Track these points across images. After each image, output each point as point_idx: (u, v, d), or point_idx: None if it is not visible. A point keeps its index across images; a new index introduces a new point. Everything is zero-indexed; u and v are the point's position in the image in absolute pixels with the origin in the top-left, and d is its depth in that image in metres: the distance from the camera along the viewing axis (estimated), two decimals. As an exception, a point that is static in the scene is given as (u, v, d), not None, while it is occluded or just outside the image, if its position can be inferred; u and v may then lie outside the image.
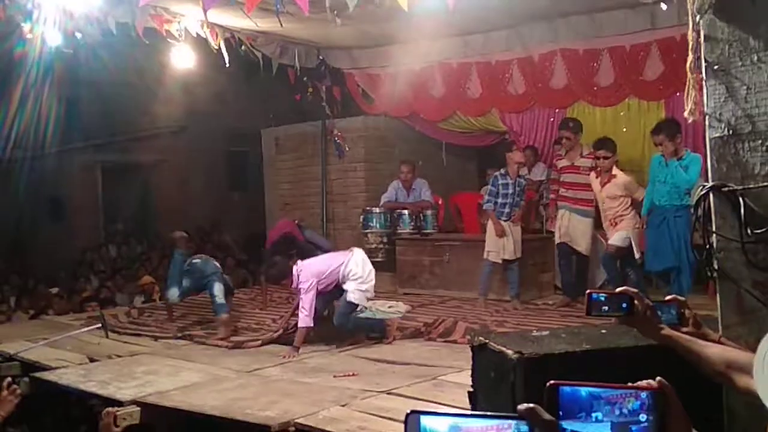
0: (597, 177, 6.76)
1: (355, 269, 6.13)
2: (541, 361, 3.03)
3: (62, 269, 12.02)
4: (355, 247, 6.67)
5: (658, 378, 1.32)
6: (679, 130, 6.20)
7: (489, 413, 1.14)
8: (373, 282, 6.28)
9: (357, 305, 6.16)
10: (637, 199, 6.66)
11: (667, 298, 2.06)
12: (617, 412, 1.21)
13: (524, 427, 1.10)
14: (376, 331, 6.18)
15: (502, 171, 7.25)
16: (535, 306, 7.27)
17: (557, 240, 7.25)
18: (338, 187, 10.05)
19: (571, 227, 7.12)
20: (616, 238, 6.65)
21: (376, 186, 9.51)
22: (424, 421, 1.08)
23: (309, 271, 5.97)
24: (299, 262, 6.05)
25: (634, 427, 1.21)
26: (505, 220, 7.15)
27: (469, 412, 1.13)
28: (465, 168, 10.63)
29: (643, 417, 1.21)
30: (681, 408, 1.25)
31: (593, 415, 1.20)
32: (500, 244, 7.12)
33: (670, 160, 6.08)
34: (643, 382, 1.31)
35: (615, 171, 6.71)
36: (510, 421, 1.10)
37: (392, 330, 6.14)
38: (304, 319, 5.82)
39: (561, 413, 1.17)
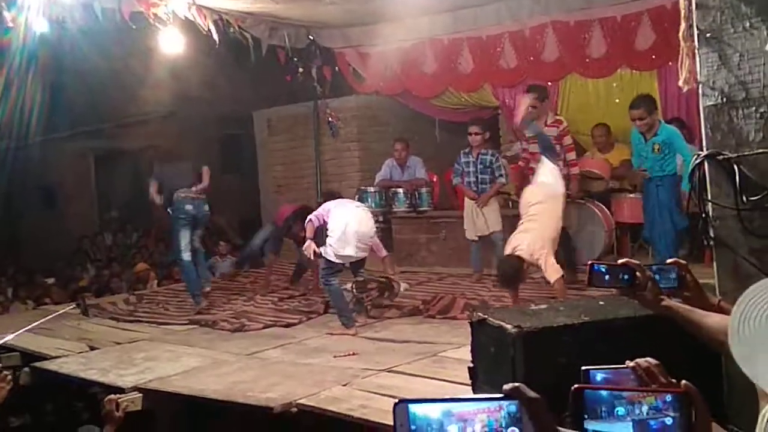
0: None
1: (332, 226, 5.84)
2: (540, 335, 3.04)
3: (58, 259, 12.00)
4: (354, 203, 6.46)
5: (684, 382, 1.33)
6: (656, 106, 6.21)
7: (478, 396, 1.14)
8: (353, 249, 5.83)
9: (333, 263, 5.84)
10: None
11: (668, 261, 2.05)
12: (638, 411, 1.23)
13: (513, 407, 1.10)
14: (342, 316, 5.87)
15: (466, 149, 7.27)
16: (532, 280, 7.27)
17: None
18: (332, 167, 10.01)
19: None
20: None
21: (371, 165, 9.47)
22: (414, 408, 1.07)
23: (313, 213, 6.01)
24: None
25: (653, 423, 1.22)
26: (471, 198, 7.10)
27: (458, 397, 1.13)
28: (459, 144, 10.51)
29: (668, 418, 1.23)
30: (707, 409, 1.27)
31: (616, 411, 1.22)
32: (470, 222, 7.11)
33: (650, 139, 6.07)
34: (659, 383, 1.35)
35: None
36: (499, 402, 1.10)
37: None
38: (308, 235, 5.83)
39: (586, 416, 1.20)
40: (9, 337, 5.87)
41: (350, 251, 5.85)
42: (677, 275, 1.99)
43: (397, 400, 1.08)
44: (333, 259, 5.83)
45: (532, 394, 1.12)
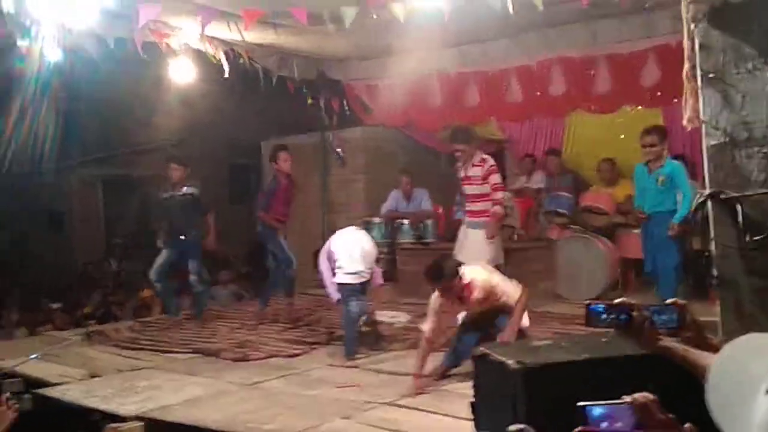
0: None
1: (337, 248, 6.17)
2: (542, 371, 3.03)
3: (64, 284, 12.01)
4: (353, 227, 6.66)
5: (688, 425, 1.34)
6: (666, 137, 6.22)
7: None
8: (361, 264, 6.04)
9: (348, 284, 6.03)
10: None
11: (668, 301, 2.06)
12: None
13: None
14: (346, 343, 6.04)
15: None
16: (534, 313, 7.25)
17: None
18: (338, 197, 10.07)
19: (467, 242, 6.77)
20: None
21: (376, 195, 9.52)
22: None
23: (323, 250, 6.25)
24: None
25: None
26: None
27: None
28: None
29: None
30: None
31: None
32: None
33: (655, 170, 6.08)
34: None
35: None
36: None
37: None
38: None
39: None
40: (14, 365, 5.86)
41: (359, 266, 6.06)
42: (678, 316, 2.00)
43: None
44: (345, 280, 6.06)
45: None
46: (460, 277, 4.88)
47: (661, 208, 6.05)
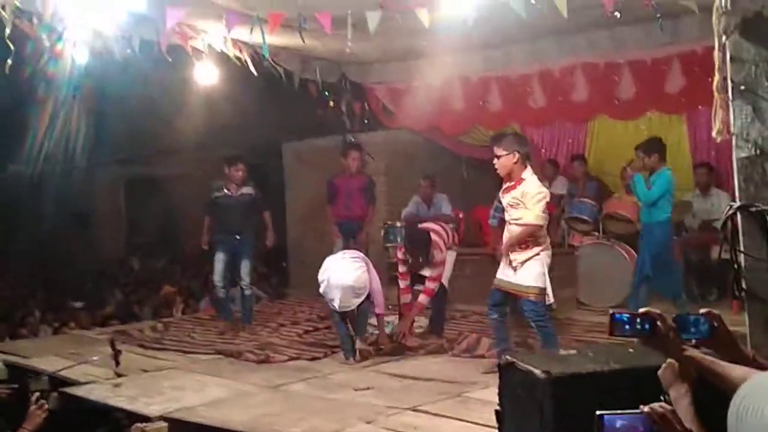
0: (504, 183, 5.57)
1: (320, 277, 6.06)
2: (569, 381, 3.04)
3: (86, 282, 12.16)
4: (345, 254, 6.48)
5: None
6: (658, 149, 6.27)
7: None
8: (340, 296, 5.87)
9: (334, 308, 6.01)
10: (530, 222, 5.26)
11: (701, 311, 2.04)
12: None
13: None
14: (343, 347, 6.15)
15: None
16: (557, 321, 7.23)
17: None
18: (359, 200, 10.07)
19: None
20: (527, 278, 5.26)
21: (398, 199, 9.52)
22: None
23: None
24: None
25: None
26: None
27: None
28: (485, 182, 10.62)
29: None
30: None
31: None
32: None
33: (648, 181, 6.18)
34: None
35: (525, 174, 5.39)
36: None
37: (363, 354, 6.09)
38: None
39: None
40: (63, 368, 5.89)
41: (335, 301, 5.92)
42: (709, 325, 1.99)
43: None
44: (334, 305, 6.00)
45: None
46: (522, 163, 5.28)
47: (649, 219, 6.27)
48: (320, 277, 6.07)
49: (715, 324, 2.01)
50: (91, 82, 8.40)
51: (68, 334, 8.15)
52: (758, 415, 1.27)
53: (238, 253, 7.43)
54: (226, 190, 7.46)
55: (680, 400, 1.80)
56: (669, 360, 1.91)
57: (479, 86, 8.98)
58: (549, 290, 5.29)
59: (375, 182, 8.52)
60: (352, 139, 9.10)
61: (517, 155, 5.30)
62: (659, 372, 1.96)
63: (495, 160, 5.38)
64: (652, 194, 6.16)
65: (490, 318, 5.50)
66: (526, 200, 5.22)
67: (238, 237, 7.36)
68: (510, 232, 5.35)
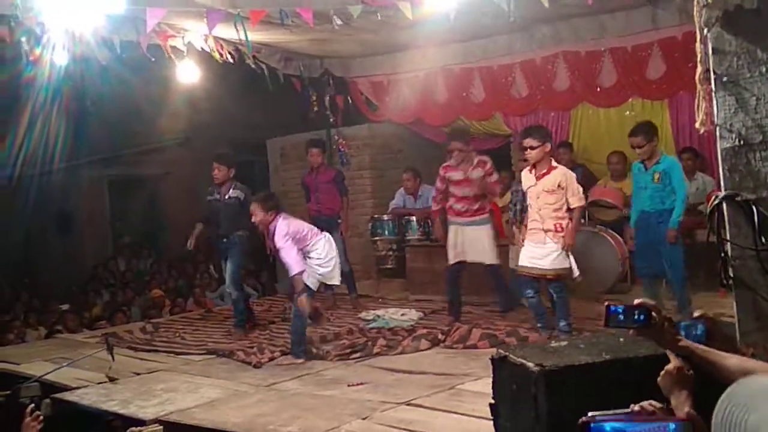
0: (531, 171, 5.96)
1: (320, 249, 6.06)
2: (562, 373, 3.07)
3: (72, 284, 12.07)
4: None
5: (687, 410, 1.37)
6: (656, 133, 6.20)
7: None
8: (331, 270, 6.12)
9: (310, 288, 6.04)
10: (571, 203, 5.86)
11: (695, 314, 2.09)
12: None
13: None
14: (294, 345, 6.11)
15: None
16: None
17: (451, 260, 6.70)
18: (345, 194, 10.08)
19: (467, 242, 6.67)
20: (552, 261, 5.81)
21: (383, 192, 9.55)
22: None
23: (286, 227, 5.95)
24: (278, 216, 6.02)
25: None
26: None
27: None
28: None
29: None
30: None
31: None
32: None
33: (651, 167, 6.06)
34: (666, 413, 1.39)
35: (554, 163, 5.96)
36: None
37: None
38: (294, 267, 5.85)
39: None
40: (50, 371, 5.84)
41: (335, 279, 6.37)
42: (705, 328, 2.04)
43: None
44: (315, 286, 6.20)
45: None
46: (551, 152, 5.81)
47: (662, 206, 6.01)
48: (324, 262, 6.07)
49: (711, 326, 2.06)
50: (71, 84, 8.32)
51: (56, 338, 8.07)
52: (741, 427, 1.30)
53: (226, 257, 7.44)
54: (216, 195, 7.43)
55: (681, 408, 1.84)
56: (667, 367, 1.95)
57: (461, 77, 8.99)
58: (574, 266, 5.90)
59: (344, 175, 8.48)
60: (316, 137, 9.03)
61: (549, 145, 5.82)
62: (658, 380, 1.99)
63: (528, 151, 5.82)
64: (686, 186, 6.05)
65: (529, 299, 6.01)
66: (569, 184, 5.78)
67: (225, 240, 7.36)
68: (542, 217, 5.78)
